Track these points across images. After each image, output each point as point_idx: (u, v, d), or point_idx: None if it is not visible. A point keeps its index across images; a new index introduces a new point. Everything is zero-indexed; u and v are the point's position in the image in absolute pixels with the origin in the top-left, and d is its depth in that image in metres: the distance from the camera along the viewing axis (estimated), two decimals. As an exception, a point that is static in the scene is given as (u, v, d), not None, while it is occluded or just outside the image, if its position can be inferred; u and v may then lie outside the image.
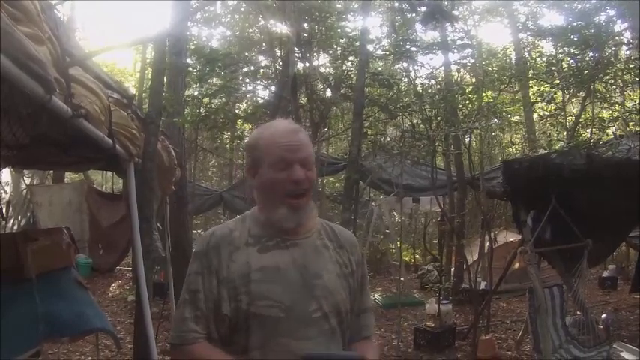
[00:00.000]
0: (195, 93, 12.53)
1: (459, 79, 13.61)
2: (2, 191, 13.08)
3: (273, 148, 1.83)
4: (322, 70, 13.18)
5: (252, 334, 1.78)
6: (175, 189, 6.03)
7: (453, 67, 12.97)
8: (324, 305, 1.84)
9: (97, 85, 2.81)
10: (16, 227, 12.05)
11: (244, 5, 13.91)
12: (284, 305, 1.77)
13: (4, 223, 10.88)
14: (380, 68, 14.11)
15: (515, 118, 15.87)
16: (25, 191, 13.12)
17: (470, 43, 12.61)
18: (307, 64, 12.01)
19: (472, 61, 12.90)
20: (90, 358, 6.87)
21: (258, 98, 14.53)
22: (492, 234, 8.75)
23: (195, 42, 12.86)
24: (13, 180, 13.57)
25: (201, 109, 11.86)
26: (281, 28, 11.93)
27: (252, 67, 13.31)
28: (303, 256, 1.87)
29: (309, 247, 1.90)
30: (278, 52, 12.57)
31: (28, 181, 14.24)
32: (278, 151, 1.82)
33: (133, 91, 4.43)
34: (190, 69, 11.13)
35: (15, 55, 1.77)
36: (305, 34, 11.55)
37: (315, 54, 12.72)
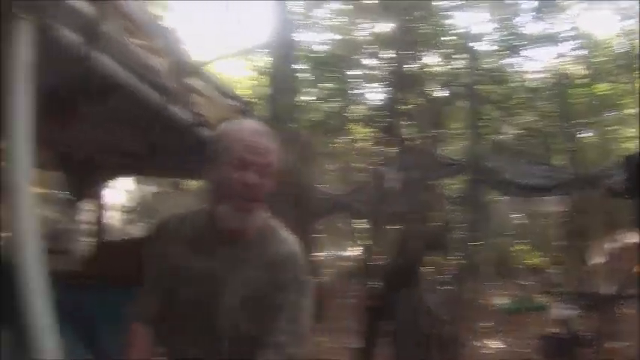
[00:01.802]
0: (306, 98, 12.66)
1: (570, 72, 12.88)
2: (127, 198, 13.81)
3: (235, 146, 1.73)
4: (433, 69, 12.92)
5: (165, 327, 1.87)
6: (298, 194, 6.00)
7: (563, 60, 12.30)
8: (224, 325, 1.80)
9: (214, 93, 2.82)
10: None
11: (351, 7, 13.89)
12: (191, 313, 1.81)
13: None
14: (490, 65, 13.68)
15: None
16: (146, 198, 13.71)
17: (579, 33, 11.91)
18: (417, 64, 11.80)
19: (583, 52, 12.16)
20: None
21: (369, 101, 14.46)
22: (619, 235, 8.19)
23: (304, 47, 12.98)
24: (136, 187, 14.29)
25: (315, 114, 11.96)
26: (388, 28, 11.81)
27: (363, 70, 13.28)
28: (226, 269, 1.80)
29: (235, 261, 1.82)
30: (387, 54, 12.44)
31: (150, 188, 14.94)
32: (238, 150, 1.72)
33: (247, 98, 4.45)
34: (300, 74, 11.25)
35: (132, 66, 1.78)
36: (413, 34, 11.36)
37: (424, 53, 12.50)
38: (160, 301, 1.87)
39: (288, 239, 1.91)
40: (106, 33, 1.67)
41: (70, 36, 1.50)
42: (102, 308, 4.48)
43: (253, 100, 4.50)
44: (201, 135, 2.52)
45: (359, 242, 15.18)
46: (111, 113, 2.59)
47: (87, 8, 1.57)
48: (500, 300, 11.04)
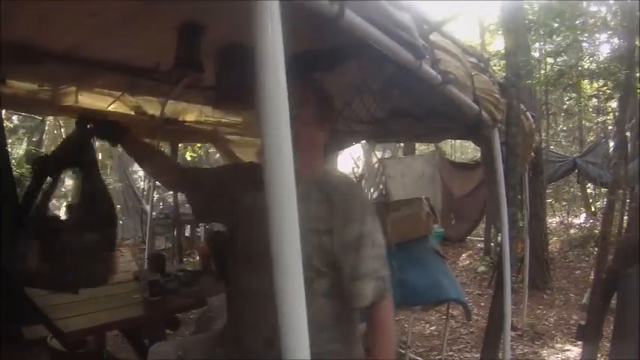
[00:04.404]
0: (536, 55, 11.81)
1: None
2: (355, 165, 14.22)
3: None
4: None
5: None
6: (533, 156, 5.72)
7: None
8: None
9: (458, 50, 2.69)
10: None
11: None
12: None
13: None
14: None
15: None
16: (376, 164, 13.97)
17: None
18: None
19: None
20: (435, 327, 6.95)
21: (600, 53, 13.04)
22: None
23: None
24: (364, 154, 14.65)
25: (547, 69, 11.10)
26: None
27: (594, 19, 11.99)
28: None
29: None
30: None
31: (379, 154, 15.21)
32: None
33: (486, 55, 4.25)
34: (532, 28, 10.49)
35: (383, 24, 1.70)
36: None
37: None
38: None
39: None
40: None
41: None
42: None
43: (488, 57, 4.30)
44: (448, 94, 2.43)
45: (592, 209, 14.15)
46: (355, 78, 2.58)
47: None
48: None
